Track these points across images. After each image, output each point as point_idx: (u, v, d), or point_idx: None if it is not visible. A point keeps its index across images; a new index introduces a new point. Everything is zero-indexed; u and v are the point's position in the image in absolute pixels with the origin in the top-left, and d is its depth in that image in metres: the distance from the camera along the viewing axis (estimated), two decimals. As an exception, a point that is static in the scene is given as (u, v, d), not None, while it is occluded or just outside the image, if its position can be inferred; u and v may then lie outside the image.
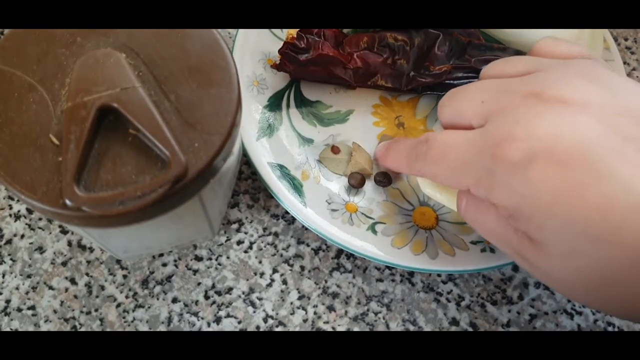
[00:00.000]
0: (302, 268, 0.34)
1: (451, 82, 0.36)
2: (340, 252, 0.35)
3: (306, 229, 0.35)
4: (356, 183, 0.34)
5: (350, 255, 0.34)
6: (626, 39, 0.44)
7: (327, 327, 0.32)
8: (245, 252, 0.34)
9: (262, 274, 0.34)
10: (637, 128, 0.22)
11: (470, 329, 0.33)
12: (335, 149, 0.36)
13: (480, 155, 0.24)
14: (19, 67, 0.25)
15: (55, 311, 0.32)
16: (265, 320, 0.32)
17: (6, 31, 0.34)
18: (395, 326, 0.33)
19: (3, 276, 0.32)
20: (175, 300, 0.33)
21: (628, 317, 0.24)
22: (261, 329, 0.32)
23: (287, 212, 0.35)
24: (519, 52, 0.35)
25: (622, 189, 0.21)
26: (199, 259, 0.34)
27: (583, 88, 0.23)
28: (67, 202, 0.22)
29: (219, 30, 0.27)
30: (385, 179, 0.35)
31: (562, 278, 0.23)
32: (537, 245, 0.23)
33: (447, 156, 0.26)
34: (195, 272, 0.33)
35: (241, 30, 0.37)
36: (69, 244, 0.34)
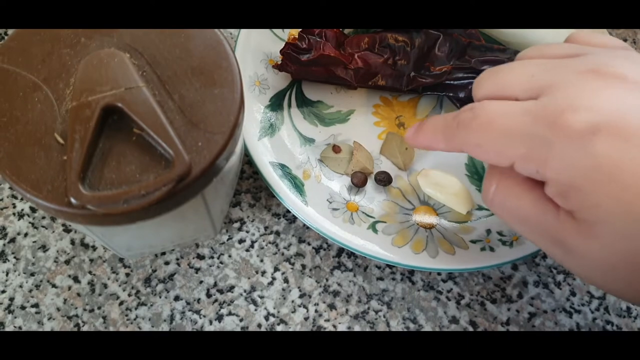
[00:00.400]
0: (303, 267, 0.34)
1: (451, 82, 0.37)
2: (341, 250, 0.35)
3: (307, 227, 0.35)
4: (359, 182, 0.35)
5: (351, 254, 0.35)
6: (625, 40, 0.44)
7: (328, 325, 0.33)
8: (247, 250, 0.34)
9: (263, 273, 0.34)
10: None
11: (469, 327, 0.33)
12: (336, 149, 0.36)
13: (536, 124, 0.23)
14: (24, 66, 0.25)
15: (58, 309, 0.32)
16: (266, 318, 0.33)
17: (11, 31, 0.34)
18: (395, 324, 0.33)
19: (7, 274, 0.33)
20: (177, 298, 0.33)
21: None
22: (262, 327, 0.32)
23: (288, 211, 0.36)
24: (518, 53, 0.36)
25: None
26: (201, 257, 0.34)
27: (638, 69, 0.23)
28: (72, 200, 0.22)
29: (221, 30, 0.27)
30: (386, 178, 0.35)
31: (605, 263, 0.22)
32: (583, 226, 0.22)
33: (496, 123, 0.24)
34: (198, 270, 0.34)
35: (243, 31, 0.37)
36: (72, 242, 0.34)
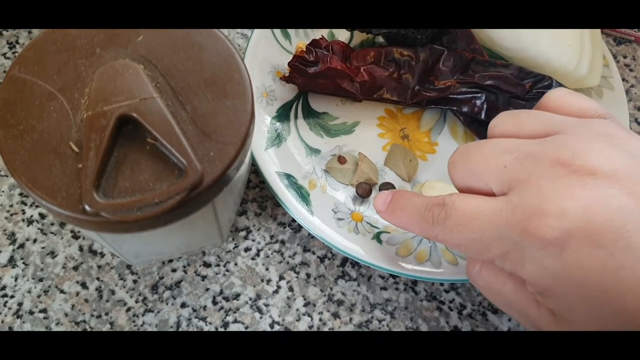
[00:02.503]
0: (308, 275, 0.35)
1: (455, 96, 0.37)
2: (345, 260, 0.35)
3: (312, 237, 0.36)
4: (364, 193, 0.35)
5: (355, 264, 0.35)
6: (625, 57, 0.45)
7: (332, 334, 0.33)
8: (253, 259, 0.35)
9: (268, 281, 0.34)
10: None
11: (471, 338, 0.34)
12: (341, 159, 0.37)
13: (508, 228, 0.23)
14: (40, 76, 0.26)
15: (66, 314, 0.33)
16: (271, 326, 0.33)
17: (23, 38, 0.35)
18: (398, 334, 0.34)
19: (16, 279, 0.33)
20: (183, 305, 0.33)
21: None
22: (267, 335, 0.33)
23: (293, 221, 0.36)
24: (521, 69, 0.36)
25: None
26: (207, 265, 0.34)
27: (609, 156, 0.23)
28: (87, 207, 0.23)
29: (232, 42, 0.27)
30: (390, 189, 0.36)
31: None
32: (561, 321, 0.23)
33: (469, 226, 0.24)
34: (204, 278, 0.34)
35: (251, 43, 0.38)
36: (81, 248, 0.34)
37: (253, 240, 0.35)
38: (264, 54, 0.38)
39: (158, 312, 0.33)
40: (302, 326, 0.33)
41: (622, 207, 0.21)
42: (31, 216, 0.35)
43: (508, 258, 0.23)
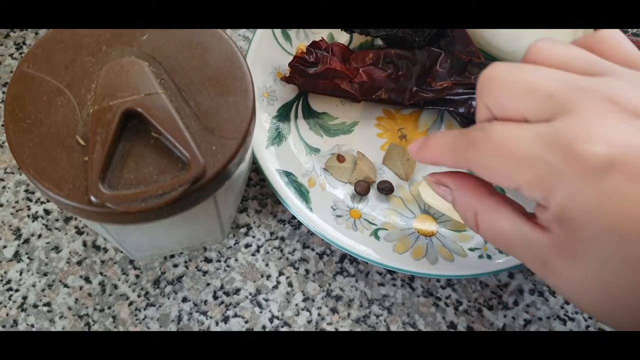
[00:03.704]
0: (307, 271, 0.35)
1: (452, 97, 0.38)
2: (343, 256, 0.36)
3: (311, 234, 0.36)
4: (362, 190, 0.36)
5: (354, 260, 0.36)
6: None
7: (330, 329, 0.34)
8: (253, 255, 0.36)
9: (268, 277, 0.35)
10: None
11: (467, 333, 0.34)
12: (340, 158, 0.37)
13: (548, 151, 0.22)
14: (48, 72, 0.27)
15: (69, 308, 0.33)
16: (271, 320, 0.34)
17: (31, 37, 0.35)
18: (395, 329, 0.34)
19: (20, 274, 0.34)
20: (185, 299, 0.34)
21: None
22: (267, 329, 0.34)
23: (293, 218, 0.37)
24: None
25: None
26: (208, 260, 0.35)
27: None
28: (92, 199, 0.24)
29: (235, 43, 0.28)
30: (388, 187, 0.36)
31: (587, 289, 0.23)
32: (571, 254, 0.23)
33: (508, 147, 0.23)
34: (205, 273, 0.35)
35: (253, 45, 0.39)
36: (84, 244, 0.35)
37: (253, 237, 0.36)
38: (265, 55, 0.39)
39: (160, 306, 0.34)
40: (301, 321, 0.34)
41: None
42: (36, 212, 0.36)
43: (539, 184, 0.23)
